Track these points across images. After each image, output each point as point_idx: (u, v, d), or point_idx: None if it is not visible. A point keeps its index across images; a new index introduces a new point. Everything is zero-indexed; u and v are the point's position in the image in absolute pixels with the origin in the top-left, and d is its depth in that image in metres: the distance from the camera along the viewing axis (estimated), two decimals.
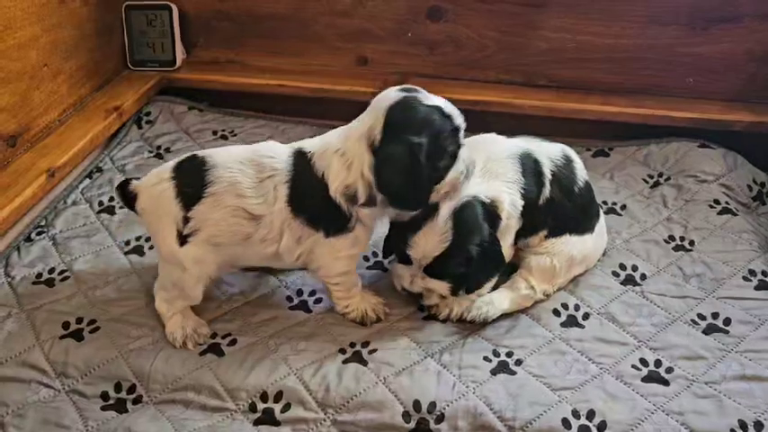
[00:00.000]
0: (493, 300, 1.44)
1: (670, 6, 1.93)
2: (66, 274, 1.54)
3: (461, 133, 1.28)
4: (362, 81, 2.11)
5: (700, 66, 1.99)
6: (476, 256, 1.33)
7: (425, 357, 1.34)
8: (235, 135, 2.09)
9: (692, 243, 1.66)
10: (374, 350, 1.35)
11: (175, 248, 1.30)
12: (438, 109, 1.24)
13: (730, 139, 1.95)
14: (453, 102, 2.07)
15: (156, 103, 2.16)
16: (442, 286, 1.40)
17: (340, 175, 1.26)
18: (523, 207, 1.41)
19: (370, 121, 1.25)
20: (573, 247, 1.49)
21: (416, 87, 1.28)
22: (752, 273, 1.55)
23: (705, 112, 1.97)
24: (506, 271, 1.50)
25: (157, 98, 2.17)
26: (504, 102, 2.03)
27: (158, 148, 2.01)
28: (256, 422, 1.24)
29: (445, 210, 1.32)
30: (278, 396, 1.27)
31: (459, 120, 1.27)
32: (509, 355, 1.35)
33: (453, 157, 1.28)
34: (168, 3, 2.11)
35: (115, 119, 1.92)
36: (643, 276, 1.56)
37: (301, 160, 1.30)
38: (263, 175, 1.29)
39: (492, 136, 1.52)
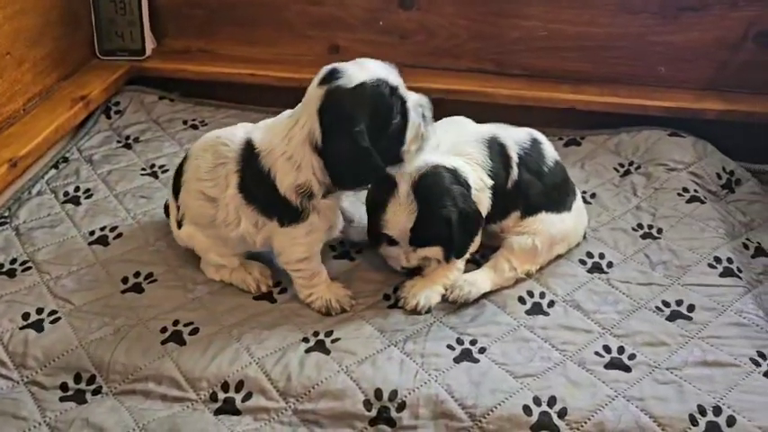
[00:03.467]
0: (476, 280, 1.45)
1: None
2: (27, 264, 1.52)
3: (400, 88, 1.26)
4: None
5: (671, 54, 1.99)
6: (454, 217, 1.34)
7: (389, 346, 1.33)
8: (205, 125, 2.07)
9: (659, 231, 1.66)
10: (337, 339, 1.34)
11: (176, 232, 1.48)
12: (364, 85, 1.22)
13: (702, 128, 1.95)
14: (425, 91, 2.08)
15: (126, 93, 2.13)
16: (435, 252, 1.41)
17: (289, 177, 1.28)
18: (492, 190, 1.43)
19: (307, 124, 1.25)
20: (552, 225, 1.50)
21: (337, 67, 1.26)
22: (717, 260, 1.55)
23: (677, 101, 1.97)
24: (486, 253, 1.52)
25: (127, 88, 2.14)
26: (475, 90, 2.02)
27: (127, 138, 1.99)
28: (217, 412, 1.23)
29: (404, 184, 1.34)
30: (239, 385, 1.26)
31: (392, 77, 1.26)
32: (473, 342, 1.35)
33: (404, 114, 1.27)
34: None
35: (81, 108, 1.90)
36: (610, 264, 1.56)
37: (250, 153, 1.32)
38: (217, 162, 1.36)
39: (460, 119, 1.54)
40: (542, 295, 1.47)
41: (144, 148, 1.94)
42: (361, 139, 1.21)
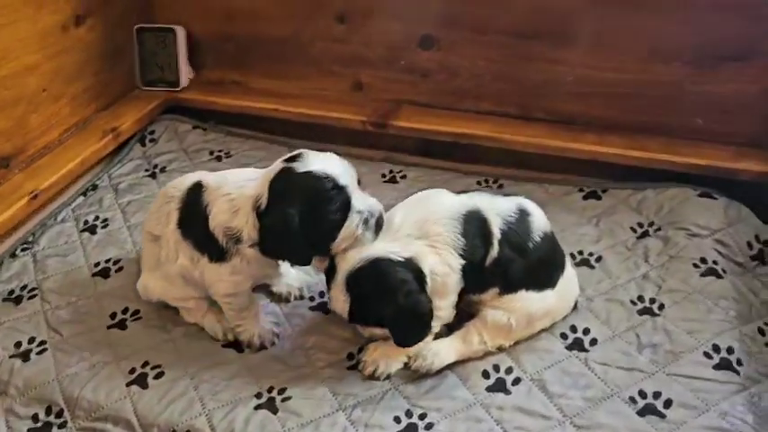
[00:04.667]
0: (440, 351, 1.40)
1: (673, 42, 1.77)
2: (34, 292, 1.64)
3: (346, 189, 1.30)
4: (355, 108, 2.11)
5: (709, 105, 1.82)
6: (389, 314, 1.31)
7: (337, 410, 1.33)
8: (230, 156, 2.15)
9: (661, 307, 1.53)
10: (288, 398, 1.36)
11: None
12: (310, 175, 1.29)
13: (740, 188, 1.77)
14: (434, 134, 2.04)
15: (162, 122, 2.25)
16: (378, 332, 1.39)
17: (222, 216, 1.36)
18: (466, 267, 1.37)
19: (259, 189, 1.33)
20: (531, 304, 1.43)
21: (304, 152, 1.34)
22: (715, 348, 1.41)
23: (711, 158, 1.80)
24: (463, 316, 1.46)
25: (163, 117, 2.26)
26: (490, 136, 1.95)
27: (155, 167, 2.10)
28: None
29: (340, 274, 1.32)
30: None
31: (345, 177, 1.30)
32: (422, 417, 1.31)
33: (344, 212, 1.29)
34: (173, 26, 2.19)
35: (111, 140, 2.02)
36: (593, 341, 1.46)
37: (195, 191, 1.42)
38: (163, 202, 1.48)
39: (439, 193, 1.47)
40: (509, 371, 1.40)
41: (166, 179, 2.03)
42: (291, 221, 1.27)
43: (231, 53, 2.25)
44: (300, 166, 1.30)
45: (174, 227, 1.43)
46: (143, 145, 2.20)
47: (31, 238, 1.82)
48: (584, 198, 1.88)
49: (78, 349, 1.49)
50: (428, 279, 1.34)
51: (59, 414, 1.37)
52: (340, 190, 1.28)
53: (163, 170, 2.09)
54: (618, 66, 1.85)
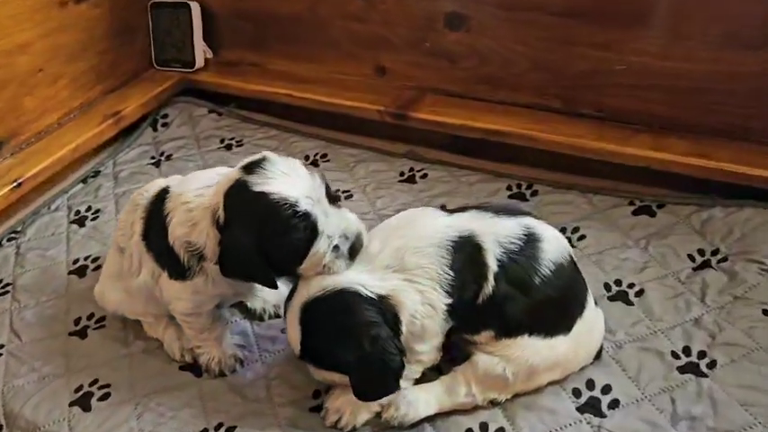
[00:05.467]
0: (418, 400, 1.17)
1: (756, 24, 1.40)
2: (7, 288, 1.54)
3: (310, 213, 1.08)
4: (374, 96, 1.87)
5: None
6: (351, 362, 1.08)
7: None
8: (241, 145, 1.97)
9: (711, 365, 1.21)
10: None
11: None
12: (266, 198, 1.07)
13: None
14: (465, 129, 1.77)
15: (177, 105, 2.11)
16: (334, 377, 1.17)
17: (181, 229, 1.18)
18: (455, 305, 1.12)
19: (216, 198, 1.14)
20: (535, 353, 1.15)
21: (265, 159, 1.12)
22: None
23: None
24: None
25: (179, 99, 2.11)
26: (528, 134, 1.66)
27: (161, 154, 1.96)
28: None
29: (297, 300, 1.11)
30: None
31: (302, 199, 1.07)
32: None
33: (309, 238, 1.08)
34: (187, 1, 2.02)
35: (111, 125, 1.89)
36: (614, 404, 1.16)
37: (159, 198, 1.25)
38: (130, 210, 1.32)
39: (425, 214, 1.21)
40: None
41: (168, 169, 1.89)
42: (246, 247, 1.09)
43: (249, 32, 2.06)
44: (257, 182, 1.08)
45: (139, 238, 1.27)
46: (155, 129, 2.06)
47: (20, 228, 1.73)
48: (635, 213, 1.55)
49: (32, 358, 1.36)
50: (403, 327, 1.10)
51: None
52: (301, 217, 1.07)
53: (169, 158, 1.94)
54: (684, 53, 1.50)
